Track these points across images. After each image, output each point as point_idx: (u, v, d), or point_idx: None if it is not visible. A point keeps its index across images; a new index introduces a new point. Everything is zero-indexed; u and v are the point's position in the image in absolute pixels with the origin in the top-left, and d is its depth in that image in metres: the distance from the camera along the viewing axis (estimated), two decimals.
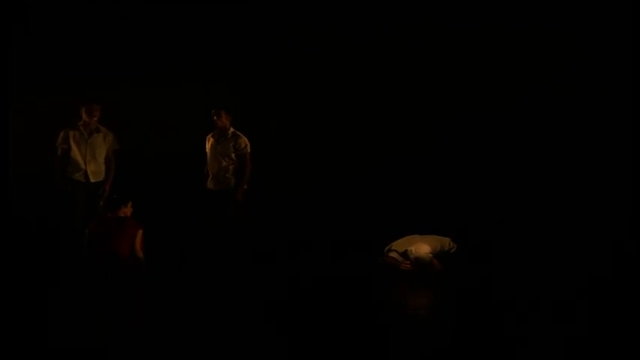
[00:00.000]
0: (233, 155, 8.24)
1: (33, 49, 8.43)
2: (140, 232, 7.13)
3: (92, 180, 8.29)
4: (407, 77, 8.50)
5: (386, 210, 8.58)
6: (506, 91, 8.07)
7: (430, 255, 7.63)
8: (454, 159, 8.55)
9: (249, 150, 8.27)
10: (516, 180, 8.21)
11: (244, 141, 8.29)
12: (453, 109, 8.41)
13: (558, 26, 7.93)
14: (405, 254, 7.76)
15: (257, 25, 8.74)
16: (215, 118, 8.24)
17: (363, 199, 8.72)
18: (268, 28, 8.73)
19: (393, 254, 7.82)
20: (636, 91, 7.67)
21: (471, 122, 8.36)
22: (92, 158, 8.27)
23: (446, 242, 7.94)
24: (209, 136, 8.46)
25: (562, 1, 7.87)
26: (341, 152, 8.74)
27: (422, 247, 7.68)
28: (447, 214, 8.30)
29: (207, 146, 8.44)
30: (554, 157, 8.11)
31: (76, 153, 8.21)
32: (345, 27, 8.56)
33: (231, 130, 8.32)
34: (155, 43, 8.71)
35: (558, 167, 8.10)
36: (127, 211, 7.22)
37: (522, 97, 8.04)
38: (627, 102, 7.70)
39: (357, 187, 8.73)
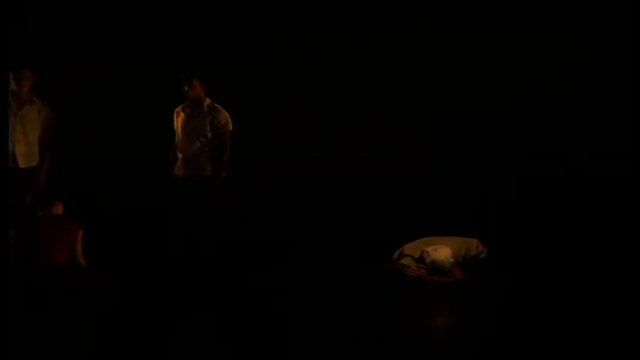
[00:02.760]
0: (209, 134, 6.81)
1: (33, 49, 7.55)
2: (82, 232, 6.02)
3: (22, 165, 6.71)
4: (407, 77, 7.86)
5: (394, 209, 7.62)
6: (507, 90, 7.66)
7: (452, 260, 6.40)
8: (457, 158, 7.93)
9: (230, 128, 6.83)
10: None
11: (224, 116, 6.85)
12: (454, 109, 7.85)
13: (558, 26, 7.55)
14: (420, 259, 6.52)
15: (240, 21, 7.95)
16: (186, 87, 6.89)
17: (366, 196, 7.82)
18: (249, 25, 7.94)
19: (405, 260, 6.50)
20: (636, 91, 7.38)
21: (472, 122, 7.81)
22: (22, 137, 6.69)
23: (473, 244, 6.62)
24: (178, 109, 6.95)
25: (562, 1, 7.57)
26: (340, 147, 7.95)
27: (442, 250, 6.47)
28: (462, 215, 7.37)
29: (177, 122, 6.94)
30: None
31: None
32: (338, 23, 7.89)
33: (208, 101, 6.87)
34: (154, 42, 7.87)
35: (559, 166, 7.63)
36: (59, 208, 6.05)
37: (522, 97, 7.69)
38: (627, 102, 7.38)
39: (358, 184, 7.84)
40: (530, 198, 7.55)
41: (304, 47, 7.93)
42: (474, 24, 7.75)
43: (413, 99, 7.97)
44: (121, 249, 6.70)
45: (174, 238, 6.85)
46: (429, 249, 6.43)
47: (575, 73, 7.51)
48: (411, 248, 6.58)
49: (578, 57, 7.52)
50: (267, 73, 7.92)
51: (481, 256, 6.55)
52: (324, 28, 7.88)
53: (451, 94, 7.88)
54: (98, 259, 6.19)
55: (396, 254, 6.63)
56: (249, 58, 7.89)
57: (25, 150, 6.73)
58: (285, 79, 7.95)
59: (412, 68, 7.85)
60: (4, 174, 6.50)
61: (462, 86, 7.85)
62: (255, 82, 7.88)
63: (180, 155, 6.99)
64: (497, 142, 7.72)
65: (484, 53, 7.77)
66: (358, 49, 7.94)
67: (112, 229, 6.83)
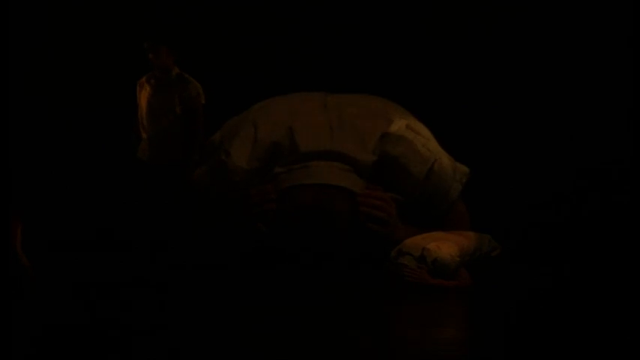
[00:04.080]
0: (178, 109, 5.96)
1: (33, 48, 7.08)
2: (20, 228, 5.11)
3: None
4: (407, 77, 7.53)
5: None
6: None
7: (457, 259, 5.27)
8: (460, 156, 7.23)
9: (203, 101, 6.04)
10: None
11: (195, 87, 6.03)
12: (456, 108, 7.56)
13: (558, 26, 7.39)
14: (422, 258, 5.43)
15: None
16: (151, 55, 5.95)
17: None
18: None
19: (405, 259, 5.41)
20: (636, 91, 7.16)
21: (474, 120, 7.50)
22: None
23: (484, 241, 5.54)
24: (142, 80, 6.16)
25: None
26: None
27: (446, 247, 5.34)
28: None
29: (140, 96, 6.09)
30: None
31: None
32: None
33: (176, 70, 6.01)
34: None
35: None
36: None
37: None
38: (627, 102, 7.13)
39: None
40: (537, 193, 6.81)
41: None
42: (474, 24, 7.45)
43: (414, 99, 7.48)
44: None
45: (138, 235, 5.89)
46: (431, 246, 5.29)
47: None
48: (412, 245, 5.46)
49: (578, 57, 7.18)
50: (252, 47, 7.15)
51: (493, 254, 5.54)
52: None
53: (453, 94, 7.50)
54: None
55: (394, 251, 5.53)
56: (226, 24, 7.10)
57: None
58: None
59: (412, 68, 7.45)
60: (3, 173, 5.82)
61: (464, 86, 7.49)
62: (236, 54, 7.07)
63: (144, 135, 6.15)
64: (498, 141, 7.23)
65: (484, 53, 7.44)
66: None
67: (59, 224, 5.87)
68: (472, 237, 5.60)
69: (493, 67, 7.81)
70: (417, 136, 5.41)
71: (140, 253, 5.59)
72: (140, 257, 5.55)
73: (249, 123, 5.29)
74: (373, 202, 4.77)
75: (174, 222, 5.72)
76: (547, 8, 7.67)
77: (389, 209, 4.78)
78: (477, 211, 6.07)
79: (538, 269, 5.43)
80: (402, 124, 5.38)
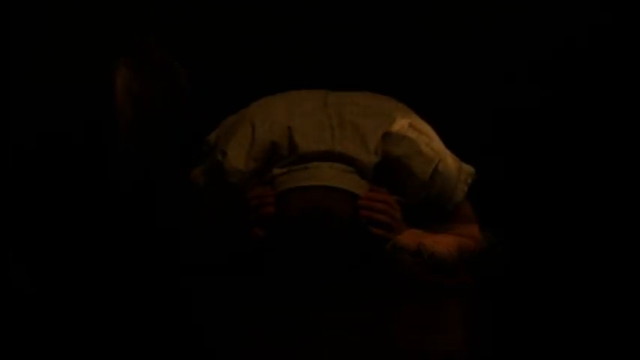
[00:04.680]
0: (163, 96, 5.71)
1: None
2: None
3: None
4: (408, 75, 6.95)
5: None
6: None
7: (455, 254, 5.15)
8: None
9: (187, 87, 5.73)
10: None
11: (182, 72, 5.74)
12: (458, 108, 7.02)
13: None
14: (418, 253, 5.34)
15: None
16: (136, 40, 5.75)
17: None
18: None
19: (400, 255, 5.33)
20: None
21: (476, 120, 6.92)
22: None
23: (485, 238, 5.49)
24: (120, 63, 5.70)
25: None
26: None
27: (443, 242, 5.17)
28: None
29: (119, 83, 5.85)
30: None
31: None
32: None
33: (160, 54, 5.67)
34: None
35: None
36: None
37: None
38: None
39: None
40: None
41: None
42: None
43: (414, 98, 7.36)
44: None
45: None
46: (427, 241, 5.18)
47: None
48: (407, 239, 5.37)
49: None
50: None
51: (494, 251, 5.47)
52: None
53: (455, 93, 7.00)
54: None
55: (389, 247, 5.42)
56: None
57: None
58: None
59: (414, 68, 7.00)
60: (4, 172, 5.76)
61: (466, 86, 7.03)
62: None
63: (124, 122, 5.93)
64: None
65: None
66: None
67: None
68: (473, 234, 5.47)
69: (493, 66, 7.76)
70: (420, 135, 5.30)
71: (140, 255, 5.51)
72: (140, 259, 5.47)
73: (247, 122, 5.17)
74: (376, 205, 4.68)
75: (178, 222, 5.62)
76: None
77: (393, 213, 4.70)
78: (478, 209, 6.06)
79: (539, 268, 5.43)
80: (404, 122, 5.25)
